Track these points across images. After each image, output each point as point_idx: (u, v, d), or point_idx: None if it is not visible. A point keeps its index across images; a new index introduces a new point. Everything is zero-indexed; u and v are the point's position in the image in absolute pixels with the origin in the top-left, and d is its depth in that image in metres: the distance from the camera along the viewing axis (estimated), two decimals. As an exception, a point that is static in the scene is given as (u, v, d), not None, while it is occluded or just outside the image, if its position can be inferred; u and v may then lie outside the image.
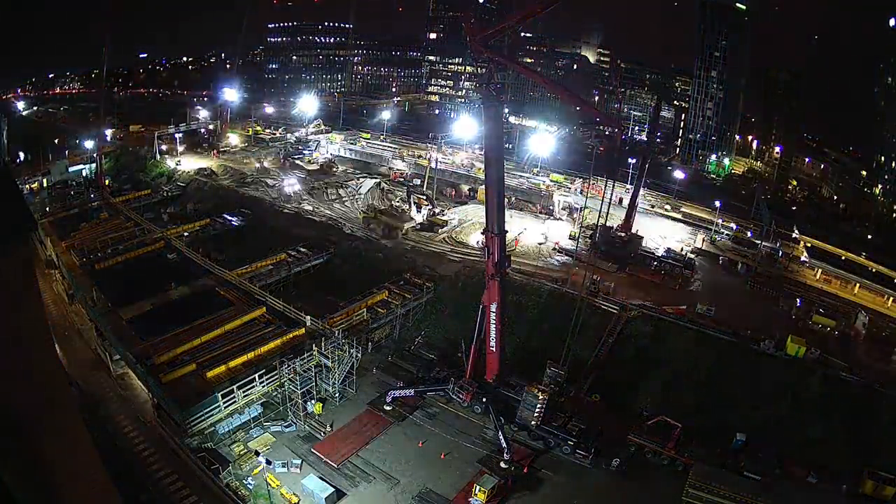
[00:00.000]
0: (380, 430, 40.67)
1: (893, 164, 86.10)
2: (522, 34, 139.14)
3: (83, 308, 52.15)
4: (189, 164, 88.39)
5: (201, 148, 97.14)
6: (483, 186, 53.07)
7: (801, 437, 39.66)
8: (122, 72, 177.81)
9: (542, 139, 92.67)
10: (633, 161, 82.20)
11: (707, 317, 49.57)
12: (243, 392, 38.64)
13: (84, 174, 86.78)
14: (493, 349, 41.51)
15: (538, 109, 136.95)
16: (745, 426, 40.19)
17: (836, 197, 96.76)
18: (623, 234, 64.71)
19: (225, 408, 37.91)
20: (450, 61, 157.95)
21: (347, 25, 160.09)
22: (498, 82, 37.40)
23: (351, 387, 43.96)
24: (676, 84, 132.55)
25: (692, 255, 63.16)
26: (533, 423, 39.83)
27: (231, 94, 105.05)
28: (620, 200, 72.22)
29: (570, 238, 65.17)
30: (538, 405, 39.21)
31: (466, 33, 38.16)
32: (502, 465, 37.45)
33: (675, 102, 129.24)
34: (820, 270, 60.61)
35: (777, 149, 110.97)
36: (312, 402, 41.67)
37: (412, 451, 38.86)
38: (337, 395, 42.93)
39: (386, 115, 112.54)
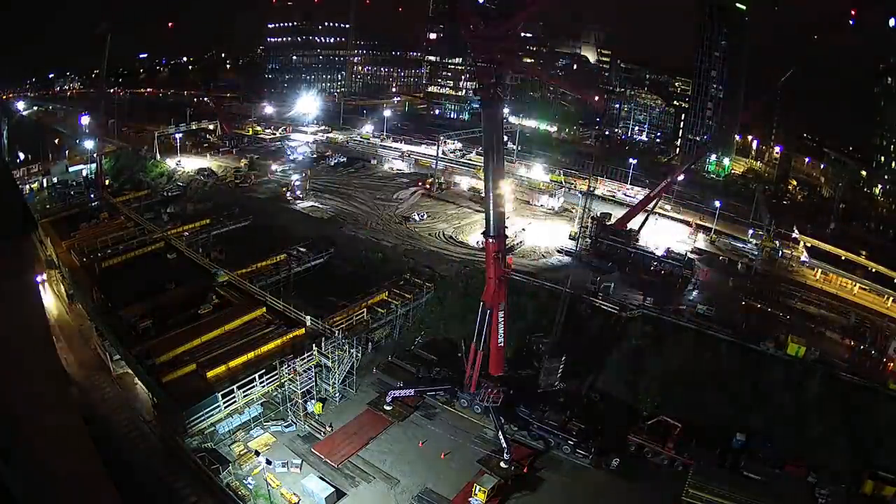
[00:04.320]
0: (380, 430, 40.68)
1: (893, 164, 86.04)
2: (522, 34, 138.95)
3: (83, 308, 52.17)
4: (189, 164, 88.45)
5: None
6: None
7: (801, 437, 39.66)
8: (122, 72, 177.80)
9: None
10: (634, 161, 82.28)
11: (707, 317, 49.58)
12: (243, 392, 38.66)
13: (84, 174, 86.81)
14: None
15: (538, 109, 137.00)
16: (745, 426, 40.19)
17: (836, 197, 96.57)
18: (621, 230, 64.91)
19: (225, 408, 37.93)
20: (450, 61, 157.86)
21: (347, 25, 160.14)
22: (497, 82, 36.69)
23: (351, 387, 43.99)
24: (676, 84, 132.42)
25: (692, 255, 63.12)
26: (557, 385, 42.80)
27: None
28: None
29: (570, 238, 65.16)
30: (560, 368, 42.29)
31: (465, 32, 37.24)
32: (502, 465, 37.46)
33: (676, 102, 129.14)
34: (819, 270, 60.60)
35: (777, 149, 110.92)
36: (312, 402, 41.70)
37: (412, 451, 38.89)
38: (337, 395, 42.96)
39: (386, 114, 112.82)
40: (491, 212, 37.76)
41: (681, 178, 73.77)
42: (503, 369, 42.38)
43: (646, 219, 66.24)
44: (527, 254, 62.31)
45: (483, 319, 39.54)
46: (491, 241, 37.98)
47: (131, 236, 61.98)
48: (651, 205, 66.81)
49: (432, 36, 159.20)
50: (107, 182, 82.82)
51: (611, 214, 69.49)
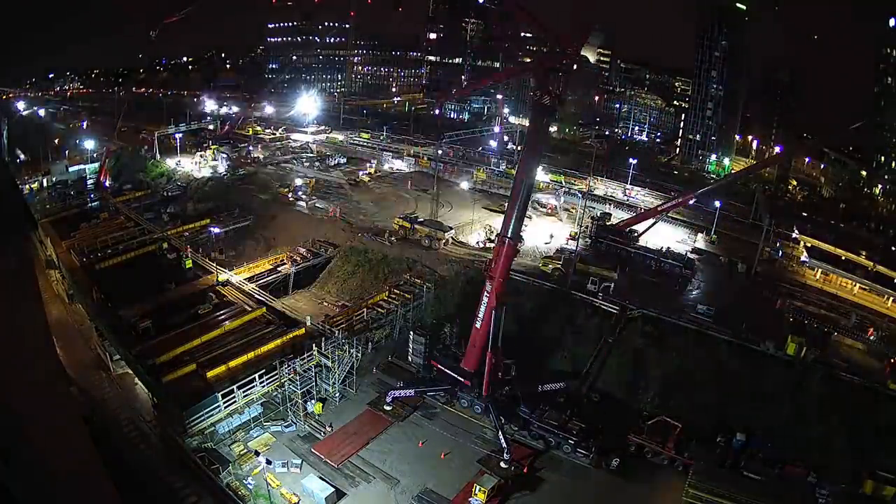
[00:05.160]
0: (380, 430, 40.64)
1: (893, 164, 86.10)
2: (522, 34, 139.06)
3: (83, 308, 52.19)
4: (189, 164, 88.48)
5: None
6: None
7: (801, 437, 39.63)
8: (122, 72, 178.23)
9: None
10: (634, 161, 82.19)
11: (706, 317, 49.57)
12: (243, 392, 38.72)
13: (84, 174, 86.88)
14: (477, 344, 41.16)
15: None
16: (745, 426, 40.18)
17: (836, 197, 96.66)
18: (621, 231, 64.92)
19: (225, 408, 38.00)
20: (450, 61, 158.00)
21: (347, 25, 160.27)
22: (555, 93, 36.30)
23: (351, 387, 43.99)
24: (676, 84, 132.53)
25: (692, 255, 63.09)
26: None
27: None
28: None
29: (570, 238, 65.12)
30: None
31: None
32: (502, 465, 37.46)
33: (676, 102, 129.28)
34: (819, 270, 60.56)
35: (777, 149, 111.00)
36: (312, 402, 41.71)
37: (412, 451, 38.87)
38: (337, 395, 42.96)
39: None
40: (514, 212, 37.85)
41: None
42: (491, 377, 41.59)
43: (653, 223, 66.03)
44: (527, 254, 62.16)
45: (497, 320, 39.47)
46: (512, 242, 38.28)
47: (131, 236, 62.04)
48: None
49: (432, 36, 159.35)
50: (106, 183, 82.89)
51: (610, 215, 69.48)
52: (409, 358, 46.54)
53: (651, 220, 65.10)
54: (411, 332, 46.38)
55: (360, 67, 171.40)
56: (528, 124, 38.44)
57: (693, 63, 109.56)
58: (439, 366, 44.09)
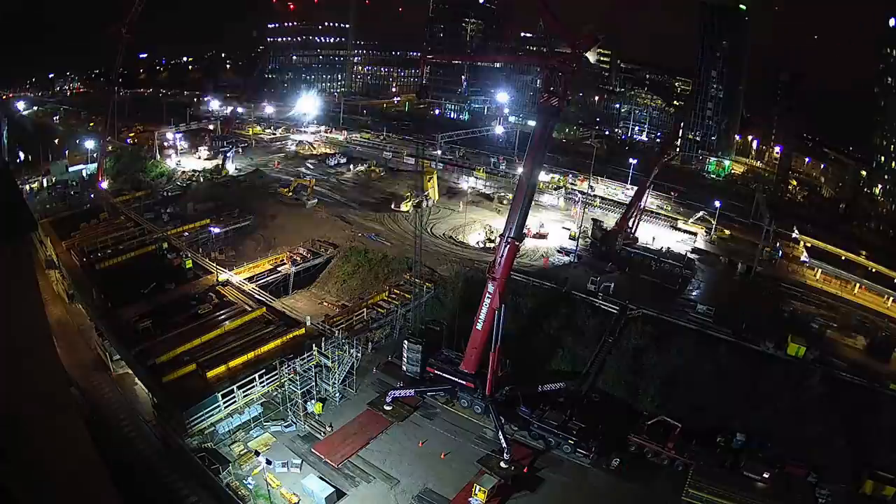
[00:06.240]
0: (380, 430, 40.65)
1: (893, 164, 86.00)
2: (522, 34, 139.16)
3: (83, 308, 52.19)
4: (189, 164, 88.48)
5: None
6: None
7: (801, 437, 39.63)
8: (122, 72, 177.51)
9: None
10: (634, 161, 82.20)
11: (706, 317, 49.57)
12: (243, 392, 38.74)
13: (84, 174, 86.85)
14: (477, 344, 41.15)
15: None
16: (745, 426, 40.19)
17: (836, 197, 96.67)
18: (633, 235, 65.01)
19: (225, 408, 38.01)
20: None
21: (347, 25, 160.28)
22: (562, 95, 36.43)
23: (351, 387, 43.98)
24: (676, 84, 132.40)
25: (691, 255, 63.11)
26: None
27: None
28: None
29: (570, 238, 65.15)
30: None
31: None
32: (502, 465, 37.47)
33: (676, 102, 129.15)
34: (819, 270, 60.58)
35: (777, 149, 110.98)
36: (312, 402, 41.70)
37: (412, 451, 38.88)
38: (337, 395, 42.96)
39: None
40: (517, 212, 37.77)
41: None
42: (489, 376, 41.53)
43: (637, 216, 66.01)
44: (527, 253, 62.18)
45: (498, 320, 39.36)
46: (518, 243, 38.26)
47: (131, 236, 62.01)
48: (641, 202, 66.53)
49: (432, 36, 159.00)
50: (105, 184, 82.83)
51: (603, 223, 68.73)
52: (404, 367, 46.00)
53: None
54: (405, 341, 45.87)
55: (360, 67, 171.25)
56: (535, 125, 38.31)
57: (693, 63, 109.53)
58: (438, 372, 43.70)
